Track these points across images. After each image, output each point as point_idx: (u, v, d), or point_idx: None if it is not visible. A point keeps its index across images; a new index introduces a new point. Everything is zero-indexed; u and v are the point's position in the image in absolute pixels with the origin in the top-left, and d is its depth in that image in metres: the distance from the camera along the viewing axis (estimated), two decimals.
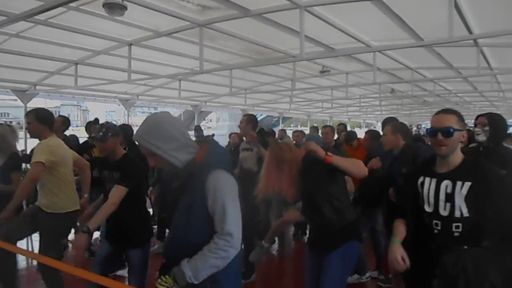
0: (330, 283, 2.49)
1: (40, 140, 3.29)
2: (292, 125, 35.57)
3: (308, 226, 2.91)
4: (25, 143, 6.57)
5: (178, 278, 1.68)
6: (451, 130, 1.91)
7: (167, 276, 1.69)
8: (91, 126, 5.52)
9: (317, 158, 2.34)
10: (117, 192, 2.73)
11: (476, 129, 2.91)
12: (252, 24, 4.45)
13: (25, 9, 3.07)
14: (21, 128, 4.70)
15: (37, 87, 6.82)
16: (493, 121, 2.92)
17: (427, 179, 2.03)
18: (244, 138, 4.80)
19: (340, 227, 2.49)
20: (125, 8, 3.69)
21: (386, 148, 3.50)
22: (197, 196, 1.70)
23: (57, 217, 3.17)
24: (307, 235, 2.78)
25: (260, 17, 4.25)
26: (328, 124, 11.08)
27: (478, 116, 3.05)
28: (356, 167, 2.37)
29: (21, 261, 4.96)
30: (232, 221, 1.68)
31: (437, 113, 2.03)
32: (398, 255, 1.96)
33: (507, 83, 8.21)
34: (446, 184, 1.95)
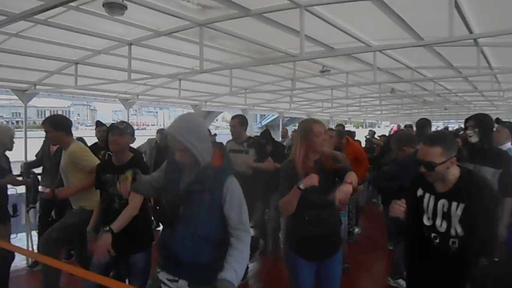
0: (337, 281, 2.65)
1: (62, 146, 3.29)
2: (292, 124, 35.63)
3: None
4: (25, 144, 6.56)
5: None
6: (432, 165, 1.97)
7: None
8: (95, 129, 5.61)
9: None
10: (136, 196, 2.66)
11: (468, 131, 3.10)
12: (252, 24, 4.45)
13: (25, 9, 3.06)
14: (19, 127, 4.67)
15: (37, 86, 6.81)
16: (481, 122, 3.12)
17: (427, 195, 2.09)
18: (233, 139, 4.67)
19: (336, 233, 2.65)
20: (125, 7, 3.68)
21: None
22: (217, 196, 1.94)
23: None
24: (297, 244, 2.70)
25: (260, 17, 4.25)
26: (332, 124, 11.03)
27: (467, 119, 3.24)
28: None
29: (21, 260, 4.98)
30: (246, 220, 1.98)
31: (424, 141, 2.05)
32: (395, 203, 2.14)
33: (507, 83, 8.20)
34: (443, 203, 2.02)
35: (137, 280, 2.85)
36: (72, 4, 3.74)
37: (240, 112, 11.99)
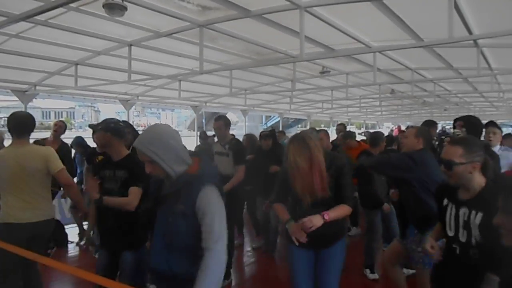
0: (330, 275, 2.63)
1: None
2: (299, 125, 35.70)
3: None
4: None
5: None
6: (451, 163, 1.96)
7: None
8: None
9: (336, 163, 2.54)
10: (136, 193, 2.72)
11: (456, 130, 3.36)
12: (252, 25, 4.45)
13: (25, 10, 3.07)
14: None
15: (37, 87, 6.82)
16: (469, 121, 3.35)
17: (450, 204, 2.08)
18: (218, 141, 4.63)
19: (335, 223, 2.55)
20: (125, 8, 3.68)
21: (403, 150, 3.56)
22: (190, 206, 1.83)
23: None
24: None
25: (260, 18, 4.25)
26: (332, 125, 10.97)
27: (456, 120, 3.54)
28: (344, 213, 2.58)
29: None
30: (219, 236, 1.80)
31: (450, 141, 2.08)
32: (428, 245, 2.13)
33: (507, 84, 8.21)
34: (464, 211, 1.99)
35: (125, 279, 2.79)
36: (72, 5, 3.73)
37: (241, 113, 12.02)
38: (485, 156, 2.01)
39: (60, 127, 5.40)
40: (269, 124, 30.43)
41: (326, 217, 2.39)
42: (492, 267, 1.83)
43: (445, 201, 2.10)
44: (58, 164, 3.12)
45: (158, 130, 1.90)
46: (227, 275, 4.39)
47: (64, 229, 5.72)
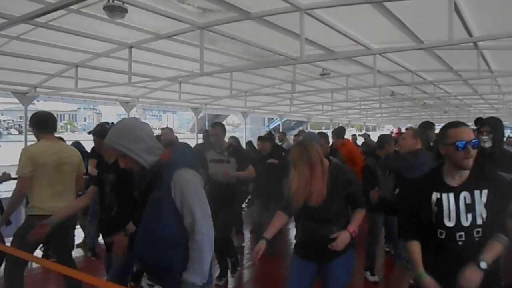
0: (340, 284, 2.60)
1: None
2: (300, 128, 35.75)
3: (298, 234, 2.89)
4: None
5: None
6: (477, 142, 2.00)
7: None
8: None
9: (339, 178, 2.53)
10: None
11: (484, 137, 3.02)
12: (253, 27, 4.46)
13: (25, 12, 3.07)
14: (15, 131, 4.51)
15: (38, 89, 6.82)
16: (495, 126, 3.08)
17: (444, 195, 2.04)
18: (213, 148, 4.55)
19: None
20: (126, 10, 3.69)
21: (401, 151, 3.54)
22: (165, 192, 1.83)
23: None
24: (297, 243, 2.78)
25: (260, 20, 4.26)
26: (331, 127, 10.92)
27: (479, 124, 3.20)
28: (361, 217, 2.62)
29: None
30: (202, 215, 1.82)
31: (458, 125, 2.04)
32: None
33: (507, 86, 8.21)
34: (464, 195, 2.00)
35: (111, 276, 2.78)
36: (73, 7, 3.74)
37: (241, 115, 12.02)
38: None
39: None
40: (272, 126, 30.47)
41: (351, 230, 2.49)
42: (490, 236, 1.97)
43: (436, 195, 2.05)
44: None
45: (126, 124, 1.93)
46: (223, 274, 4.40)
47: None
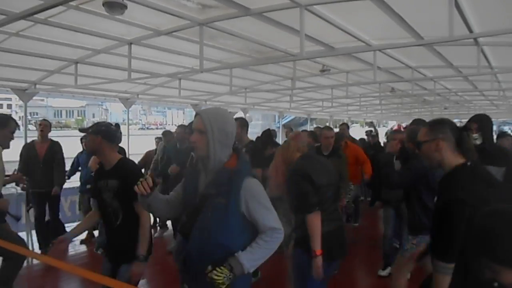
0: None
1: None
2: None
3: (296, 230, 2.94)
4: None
5: (236, 269, 1.74)
6: (418, 143, 2.06)
7: (222, 267, 1.73)
8: None
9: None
10: (143, 214, 2.59)
11: (473, 134, 3.03)
12: (252, 23, 4.45)
13: (24, 8, 3.06)
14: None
15: (37, 86, 6.81)
16: (482, 122, 3.15)
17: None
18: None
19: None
20: (125, 7, 3.68)
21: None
22: (232, 200, 1.81)
23: None
24: (295, 238, 2.80)
25: (260, 16, 4.25)
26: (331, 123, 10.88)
27: (468, 122, 3.15)
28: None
29: None
30: (275, 218, 1.87)
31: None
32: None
33: (508, 82, 8.20)
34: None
35: None
36: (72, 3, 3.73)
37: (241, 112, 12.00)
38: (457, 133, 1.96)
39: (46, 126, 5.36)
40: (283, 122, 30.48)
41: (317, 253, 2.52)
42: None
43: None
44: None
45: (226, 114, 1.96)
46: (254, 272, 4.34)
47: (64, 227, 5.72)
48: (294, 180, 2.60)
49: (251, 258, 1.78)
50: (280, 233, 1.85)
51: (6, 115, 3.64)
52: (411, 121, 4.90)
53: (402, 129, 7.70)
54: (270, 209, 1.86)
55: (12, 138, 3.38)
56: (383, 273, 4.51)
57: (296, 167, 2.63)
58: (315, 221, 2.52)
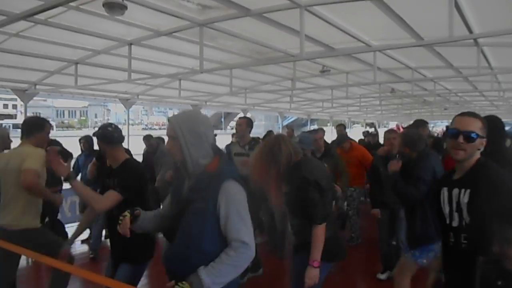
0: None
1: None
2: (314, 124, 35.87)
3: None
4: None
5: (195, 285, 1.65)
6: (474, 135, 1.79)
7: (184, 282, 1.65)
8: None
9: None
10: (111, 197, 2.52)
11: None
12: (252, 24, 4.45)
13: (25, 9, 3.06)
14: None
15: (37, 86, 6.82)
16: (491, 123, 3.01)
17: (444, 189, 1.93)
18: (237, 141, 4.62)
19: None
20: (125, 7, 3.68)
21: (394, 151, 3.56)
22: (210, 204, 1.75)
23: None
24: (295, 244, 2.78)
25: (260, 17, 4.25)
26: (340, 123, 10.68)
27: None
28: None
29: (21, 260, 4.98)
30: (246, 230, 1.74)
31: (462, 114, 1.90)
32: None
33: (507, 83, 8.20)
34: (456, 192, 1.85)
35: None
36: (72, 4, 3.73)
37: (240, 112, 12.01)
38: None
39: None
40: (285, 123, 30.49)
41: (315, 264, 2.46)
42: (482, 250, 1.68)
43: (442, 190, 1.94)
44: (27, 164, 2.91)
45: (196, 114, 1.92)
46: (254, 268, 4.35)
47: (64, 227, 5.72)
48: (303, 187, 2.50)
49: (213, 274, 1.67)
50: (248, 250, 1.70)
51: (42, 118, 3.52)
52: (411, 121, 4.90)
53: (401, 130, 7.69)
54: (244, 219, 1.75)
55: (48, 140, 3.38)
56: (382, 276, 4.45)
57: (304, 174, 2.52)
58: (322, 232, 2.47)
